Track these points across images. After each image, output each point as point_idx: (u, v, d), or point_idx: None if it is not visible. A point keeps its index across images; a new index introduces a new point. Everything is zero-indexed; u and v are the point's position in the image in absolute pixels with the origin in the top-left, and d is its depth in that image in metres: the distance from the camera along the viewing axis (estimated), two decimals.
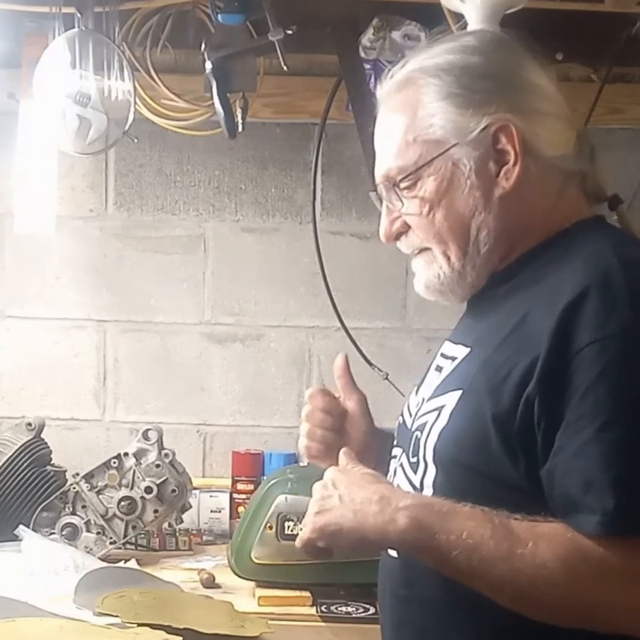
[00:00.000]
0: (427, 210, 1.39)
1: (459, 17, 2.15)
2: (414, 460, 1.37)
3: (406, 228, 1.43)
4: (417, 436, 1.37)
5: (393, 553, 1.38)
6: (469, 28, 1.46)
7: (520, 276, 1.38)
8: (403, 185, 1.40)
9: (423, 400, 1.42)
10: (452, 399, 1.34)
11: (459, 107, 1.36)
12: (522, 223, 1.38)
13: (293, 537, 2.12)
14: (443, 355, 1.45)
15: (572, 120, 1.42)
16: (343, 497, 1.30)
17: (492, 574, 1.21)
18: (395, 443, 1.50)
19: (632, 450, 1.18)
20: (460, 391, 1.33)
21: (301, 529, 1.33)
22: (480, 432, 1.27)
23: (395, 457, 1.47)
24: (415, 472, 1.36)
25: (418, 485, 1.35)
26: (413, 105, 1.39)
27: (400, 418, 1.51)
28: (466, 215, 1.38)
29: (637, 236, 1.40)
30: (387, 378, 2.56)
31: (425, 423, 1.36)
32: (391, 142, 1.42)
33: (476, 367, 1.33)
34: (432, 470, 1.33)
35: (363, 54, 2.42)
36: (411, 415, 1.45)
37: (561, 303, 1.24)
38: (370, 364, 2.63)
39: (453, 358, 1.40)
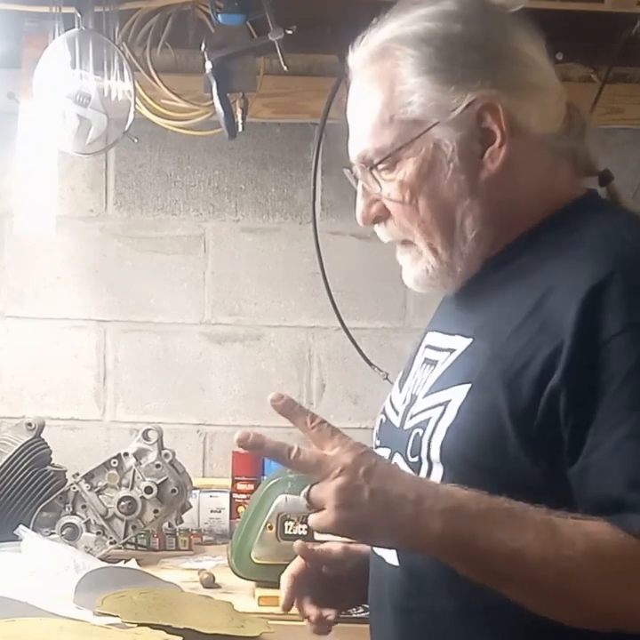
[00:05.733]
0: (408, 196, 1.28)
1: None
2: (415, 459, 1.26)
3: (386, 213, 1.32)
4: (417, 434, 1.26)
5: (392, 561, 1.29)
6: None
7: (521, 260, 1.27)
8: (380, 167, 1.29)
9: (415, 397, 1.32)
10: (458, 393, 1.23)
11: (440, 83, 1.25)
12: (511, 206, 1.28)
13: (293, 537, 2.13)
14: (432, 347, 1.36)
15: (562, 93, 1.31)
16: (376, 493, 1.11)
17: (537, 580, 1.11)
18: (378, 443, 1.40)
19: None
20: (468, 385, 1.22)
21: (305, 503, 1.14)
22: (494, 428, 1.18)
23: None
24: (417, 473, 1.25)
25: None
26: (390, 80, 1.27)
27: (381, 417, 1.42)
28: (450, 201, 1.27)
29: (630, 212, 1.32)
30: (387, 378, 2.56)
31: (427, 419, 1.25)
32: (366, 120, 1.29)
33: (485, 359, 1.22)
34: (438, 470, 1.23)
35: None
36: (398, 414, 1.35)
37: (582, 288, 1.15)
38: (370, 364, 2.63)
39: (451, 350, 1.29)
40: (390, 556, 1.29)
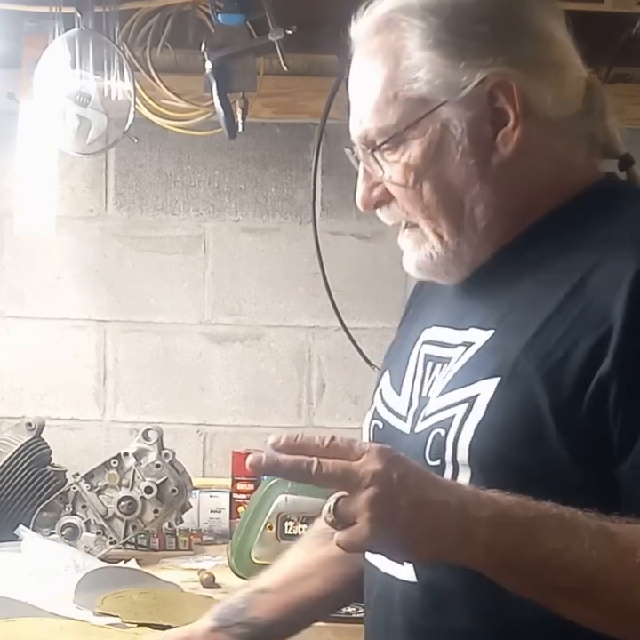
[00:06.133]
0: (413, 179, 1.18)
1: None
2: (436, 462, 1.14)
3: (388, 196, 1.22)
4: (439, 434, 1.15)
5: (407, 577, 1.18)
6: None
7: (541, 248, 1.18)
8: (383, 148, 1.19)
9: (426, 398, 1.21)
10: (486, 388, 1.12)
11: (448, 57, 1.15)
12: (524, 193, 1.19)
13: (293, 537, 2.13)
14: (436, 343, 1.25)
15: (582, 71, 1.22)
16: (416, 502, 0.99)
17: (596, 593, 1.01)
18: None
19: None
20: (497, 379, 1.12)
21: (331, 519, 1.00)
22: (532, 424, 1.08)
23: None
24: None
25: None
26: (395, 53, 1.17)
27: (376, 422, 1.30)
28: (458, 187, 1.18)
29: None
30: None
31: (451, 418, 1.14)
32: (369, 97, 1.19)
33: (515, 350, 1.11)
34: (465, 474, 1.12)
35: None
36: (404, 418, 1.24)
37: (628, 272, 1.06)
38: (370, 364, 2.63)
39: (467, 344, 1.18)
40: (404, 572, 1.18)
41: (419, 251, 1.23)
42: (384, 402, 1.31)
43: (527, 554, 1.01)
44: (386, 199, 1.23)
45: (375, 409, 1.32)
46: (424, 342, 1.27)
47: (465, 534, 1.00)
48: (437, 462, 1.14)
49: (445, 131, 1.17)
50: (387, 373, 1.33)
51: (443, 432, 1.14)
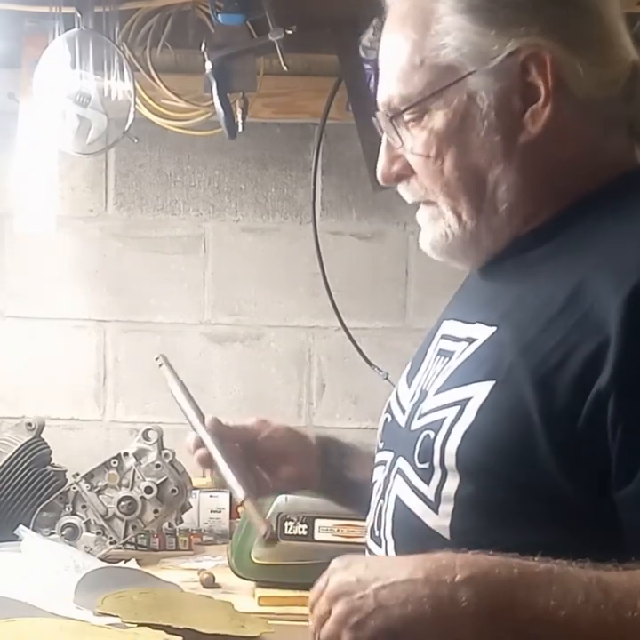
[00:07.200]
0: (434, 153, 1.12)
1: None
2: (425, 465, 1.11)
3: (409, 171, 1.16)
4: (428, 437, 1.11)
5: None
6: None
7: (557, 239, 1.11)
8: (406, 118, 1.13)
9: (425, 393, 1.17)
10: (480, 391, 1.07)
11: (479, 24, 1.08)
12: (550, 178, 1.12)
13: (293, 537, 2.13)
14: (448, 337, 1.19)
15: (628, 52, 1.12)
16: (379, 593, 0.97)
17: None
18: (381, 446, 1.25)
19: None
20: (492, 382, 1.06)
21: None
22: (521, 434, 1.02)
23: (383, 463, 1.21)
24: (428, 482, 1.10)
25: (432, 498, 1.09)
26: (425, 17, 1.11)
27: (386, 415, 1.27)
28: (481, 164, 1.11)
29: None
30: (387, 378, 2.56)
31: (441, 420, 1.09)
32: (396, 62, 1.14)
33: (514, 352, 1.06)
34: (454, 479, 1.07)
35: (363, 54, 2.42)
36: (404, 411, 1.21)
37: (633, 274, 0.99)
38: (370, 364, 2.63)
39: (470, 340, 1.13)
40: None
41: (434, 227, 1.17)
42: (397, 394, 1.27)
43: (517, 616, 0.95)
44: (406, 173, 1.17)
45: (389, 402, 1.29)
46: (441, 336, 1.23)
47: (443, 602, 0.95)
48: (426, 465, 1.11)
49: (471, 103, 1.10)
50: (408, 366, 1.30)
51: (432, 434, 1.10)
